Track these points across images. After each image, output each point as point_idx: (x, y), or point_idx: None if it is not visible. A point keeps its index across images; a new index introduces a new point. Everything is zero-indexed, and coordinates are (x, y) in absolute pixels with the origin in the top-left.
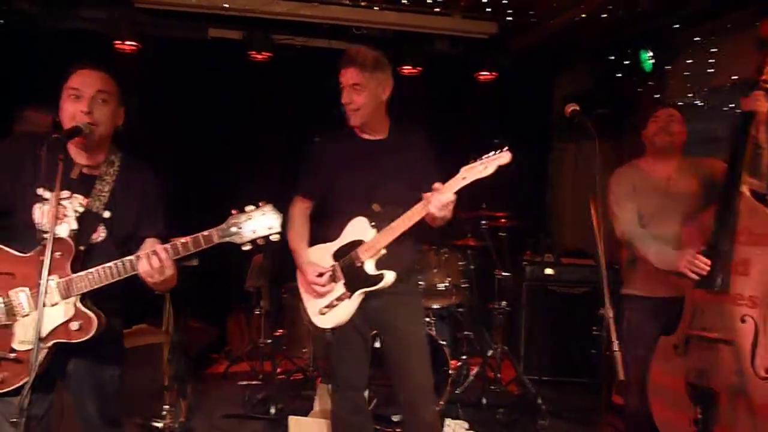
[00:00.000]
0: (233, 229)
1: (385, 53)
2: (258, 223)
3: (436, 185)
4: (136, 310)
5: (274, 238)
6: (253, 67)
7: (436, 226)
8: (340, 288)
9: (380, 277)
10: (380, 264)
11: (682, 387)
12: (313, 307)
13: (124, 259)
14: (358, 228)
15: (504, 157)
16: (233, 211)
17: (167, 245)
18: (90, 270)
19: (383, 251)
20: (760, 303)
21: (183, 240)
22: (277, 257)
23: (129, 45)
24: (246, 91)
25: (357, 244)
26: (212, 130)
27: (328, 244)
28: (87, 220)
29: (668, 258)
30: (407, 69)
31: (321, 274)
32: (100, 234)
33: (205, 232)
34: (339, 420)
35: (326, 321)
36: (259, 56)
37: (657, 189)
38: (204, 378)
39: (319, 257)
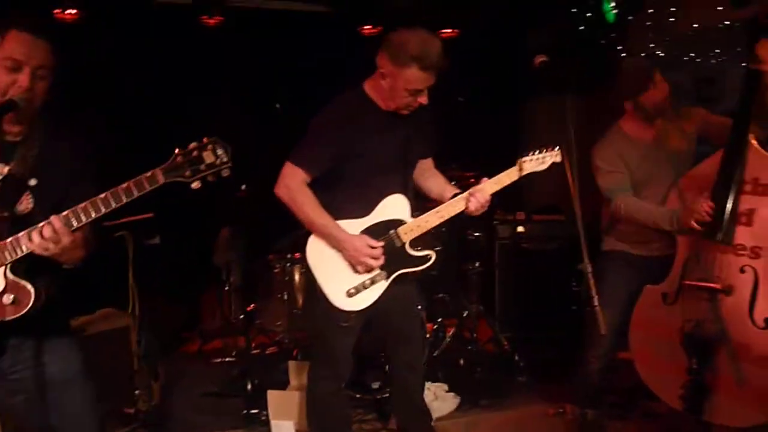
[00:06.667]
0: (179, 167)
1: (342, 12)
2: (206, 157)
3: (483, 182)
4: (98, 294)
5: (226, 173)
6: (204, 32)
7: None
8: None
9: (426, 258)
10: (417, 244)
11: (674, 337)
12: (336, 287)
13: (38, 226)
14: (397, 206)
15: (557, 155)
16: (177, 150)
17: (69, 211)
18: (17, 235)
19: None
20: (764, 253)
21: (123, 185)
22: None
23: (69, 13)
24: (198, 59)
25: (396, 223)
26: (162, 101)
27: (354, 220)
28: (9, 186)
29: (670, 217)
30: (367, 29)
31: (374, 248)
32: (27, 204)
33: (148, 173)
34: (319, 400)
35: (352, 303)
36: (210, 21)
37: (647, 154)
38: (177, 358)
39: None
